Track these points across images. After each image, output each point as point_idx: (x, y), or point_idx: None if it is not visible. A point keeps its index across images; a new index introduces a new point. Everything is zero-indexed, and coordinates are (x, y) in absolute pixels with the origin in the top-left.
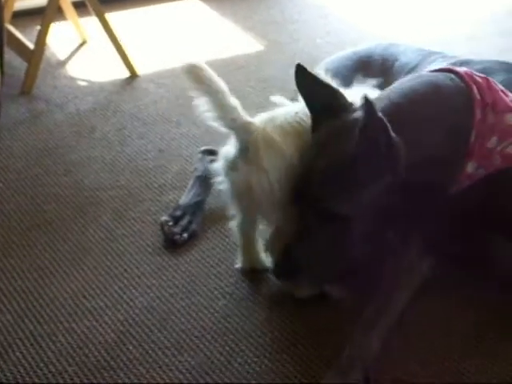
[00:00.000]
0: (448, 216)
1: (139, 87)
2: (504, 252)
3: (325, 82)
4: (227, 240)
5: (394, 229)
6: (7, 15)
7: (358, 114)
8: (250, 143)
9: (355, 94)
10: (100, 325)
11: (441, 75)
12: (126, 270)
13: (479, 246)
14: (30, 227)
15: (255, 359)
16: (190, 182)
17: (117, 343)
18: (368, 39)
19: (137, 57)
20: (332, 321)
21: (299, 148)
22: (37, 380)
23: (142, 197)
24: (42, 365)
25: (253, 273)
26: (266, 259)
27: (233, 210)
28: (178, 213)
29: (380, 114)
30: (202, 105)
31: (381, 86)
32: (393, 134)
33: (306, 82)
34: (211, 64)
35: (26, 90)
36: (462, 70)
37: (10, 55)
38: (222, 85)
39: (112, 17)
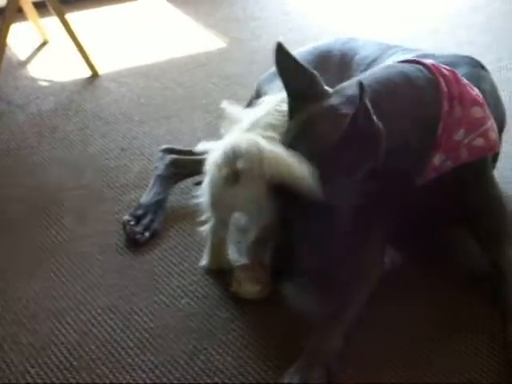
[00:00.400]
0: (412, 209)
1: (101, 86)
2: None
3: (304, 65)
4: (189, 238)
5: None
6: None
7: (333, 100)
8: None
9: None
10: (63, 326)
11: (410, 66)
12: (88, 270)
13: (440, 243)
14: None
15: (218, 357)
16: (151, 181)
17: (79, 343)
18: (331, 35)
19: (98, 56)
20: (295, 318)
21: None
22: None
23: (104, 196)
24: (4, 366)
25: (216, 271)
26: (233, 259)
27: (207, 215)
28: (140, 212)
29: (366, 100)
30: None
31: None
32: (376, 120)
33: (284, 62)
34: (173, 62)
35: None
36: (429, 62)
37: None
38: None
39: (73, 16)
